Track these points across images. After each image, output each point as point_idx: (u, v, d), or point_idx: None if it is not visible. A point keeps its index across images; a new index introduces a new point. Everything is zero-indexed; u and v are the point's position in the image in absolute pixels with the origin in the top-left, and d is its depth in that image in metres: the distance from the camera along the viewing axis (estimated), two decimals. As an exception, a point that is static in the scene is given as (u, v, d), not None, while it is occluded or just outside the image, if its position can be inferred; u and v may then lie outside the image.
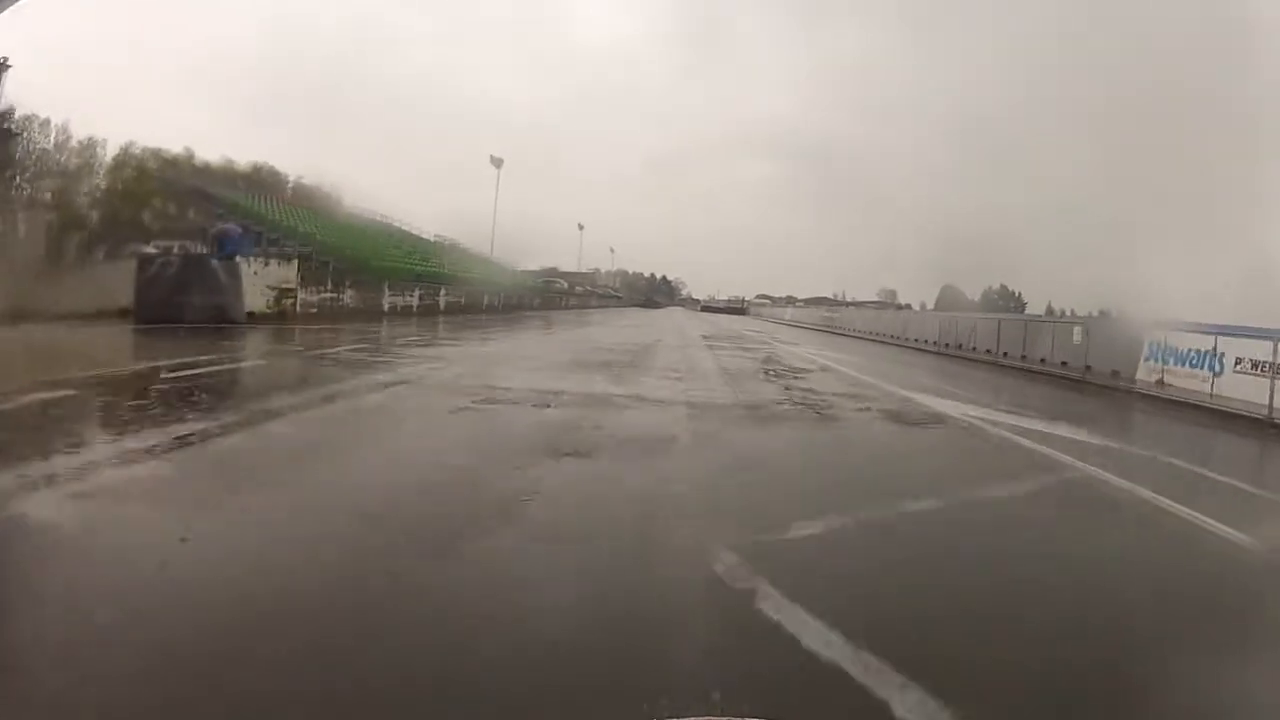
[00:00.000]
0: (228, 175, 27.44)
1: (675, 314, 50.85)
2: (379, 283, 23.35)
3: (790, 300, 79.81)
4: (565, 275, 70.17)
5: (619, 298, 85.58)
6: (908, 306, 61.93)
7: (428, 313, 25.20)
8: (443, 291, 27.92)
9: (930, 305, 58.72)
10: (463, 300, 29.76)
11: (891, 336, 27.11)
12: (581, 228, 67.20)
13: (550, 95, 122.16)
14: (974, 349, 18.47)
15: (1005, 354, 16.68)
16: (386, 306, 23.08)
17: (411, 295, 25.05)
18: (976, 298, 49.61)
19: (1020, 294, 49.28)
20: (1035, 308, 45.37)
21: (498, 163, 43.86)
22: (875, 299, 72.84)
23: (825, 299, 75.17)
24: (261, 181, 29.02)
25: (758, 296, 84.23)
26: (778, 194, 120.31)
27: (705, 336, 21.69)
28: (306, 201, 29.56)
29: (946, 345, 20.71)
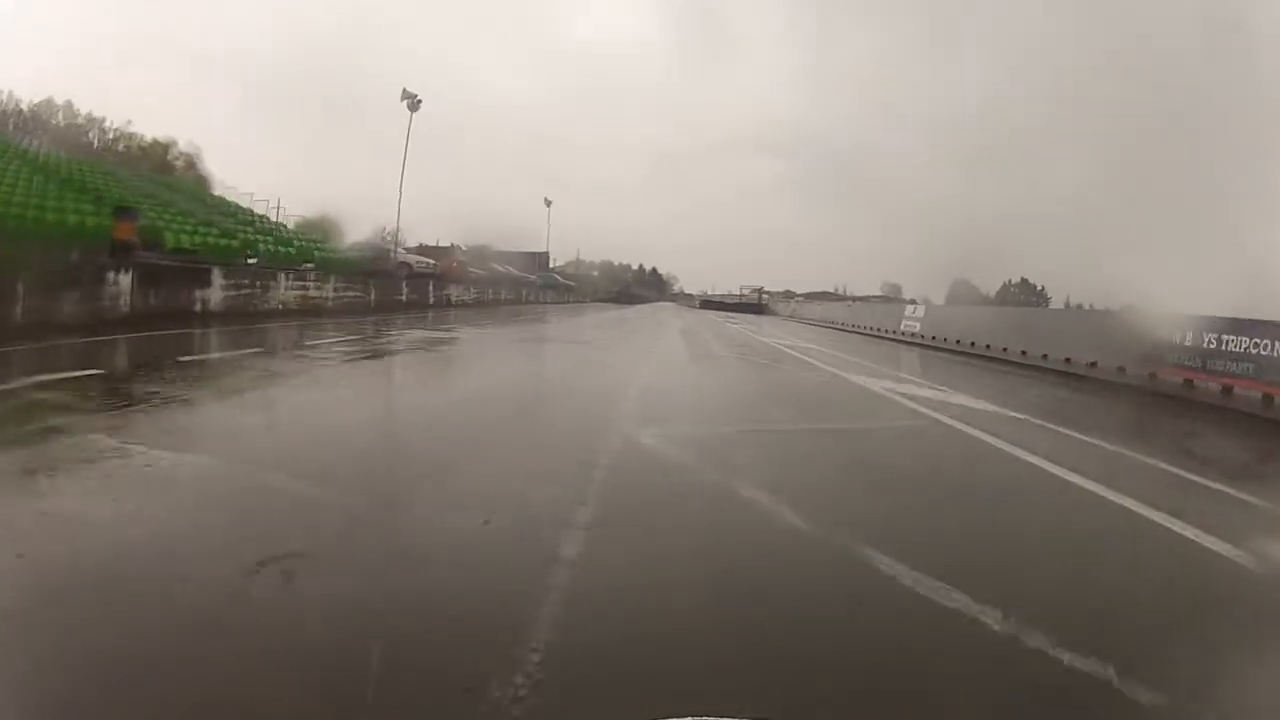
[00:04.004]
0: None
1: (663, 318, 32.09)
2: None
3: (789, 295, 78.69)
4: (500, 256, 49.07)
5: (569, 286, 62.09)
6: (912, 302, 60.24)
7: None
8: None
9: (939, 300, 58.31)
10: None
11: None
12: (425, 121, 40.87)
13: (547, 87, 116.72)
14: None
15: None
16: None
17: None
18: (992, 293, 49.03)
19: (1044, 288, 46.73)
20: (1056, 303, 44.53)
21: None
22: (879, 294, 73.95)
23: (826, 293, 75.78)
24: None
25: (752, 290, 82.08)
26: (778, 188, 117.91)
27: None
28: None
29: None
